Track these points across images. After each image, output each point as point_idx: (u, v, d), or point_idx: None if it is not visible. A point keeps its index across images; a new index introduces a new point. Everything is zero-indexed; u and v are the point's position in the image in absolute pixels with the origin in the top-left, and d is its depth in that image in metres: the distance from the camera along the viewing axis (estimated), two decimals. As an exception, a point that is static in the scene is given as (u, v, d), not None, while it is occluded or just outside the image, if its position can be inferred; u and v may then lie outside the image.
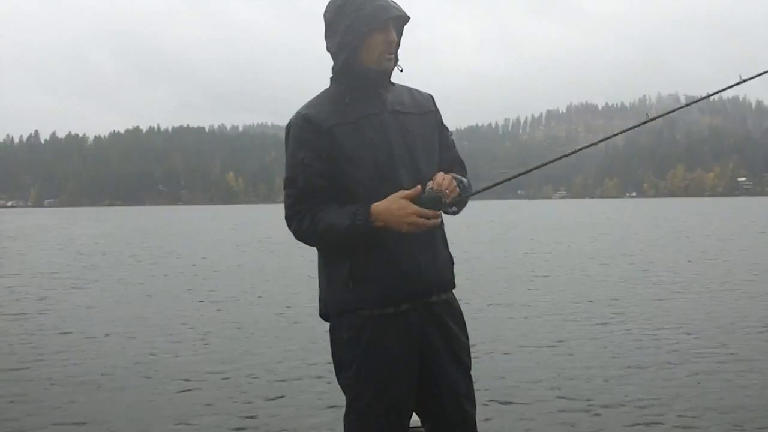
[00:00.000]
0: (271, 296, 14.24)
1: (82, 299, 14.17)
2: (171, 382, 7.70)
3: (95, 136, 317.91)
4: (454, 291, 3.28)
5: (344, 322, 3.08)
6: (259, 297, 14.19)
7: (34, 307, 13.20)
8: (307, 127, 3.03)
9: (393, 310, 3.02)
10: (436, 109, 3.31)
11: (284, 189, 3.09)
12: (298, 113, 3.09)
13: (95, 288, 16.08)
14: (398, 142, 3.06)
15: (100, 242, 35.87)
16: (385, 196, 2.91)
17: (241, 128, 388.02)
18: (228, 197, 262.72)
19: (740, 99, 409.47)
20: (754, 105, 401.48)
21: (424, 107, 3.22)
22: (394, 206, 2.87)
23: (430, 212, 2.86)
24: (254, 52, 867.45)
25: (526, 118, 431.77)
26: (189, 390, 7.35)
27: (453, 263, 3.28)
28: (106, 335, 10.38)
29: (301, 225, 3.01)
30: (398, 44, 3.17)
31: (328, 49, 3.14)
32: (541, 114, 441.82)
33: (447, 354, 3.12)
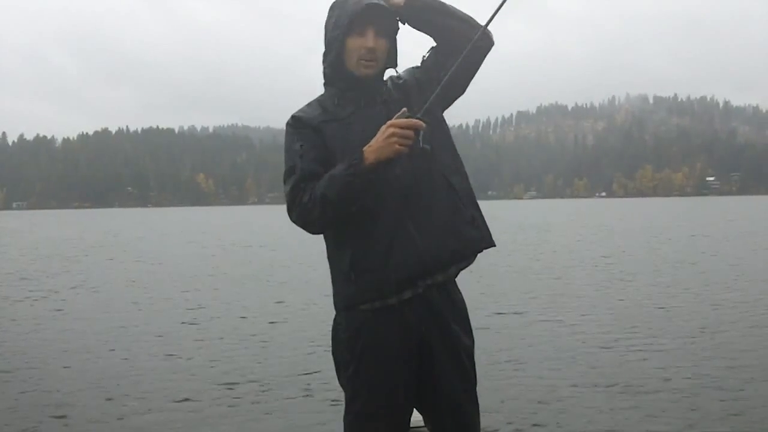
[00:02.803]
0: (244, 301, 14.07)
1: (35, 310, 13.93)
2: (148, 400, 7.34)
3: (64, 138, 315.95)
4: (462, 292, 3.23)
5: (345, 320, 3.10)
6: (243, 305, 13.99)
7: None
8: (299, 124, 3.09)
9: (395, 300, 3.01)
10: (415, 80, 3.25)
11: (284, 183, 3.08)
12: (291, 116, 3.14)
13: (56, 297, 15.82)
14: None
15: (64, 247, 35.40)
16: (378, 187, 2.96)
17: (211, 129, 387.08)
18: (198, 199, 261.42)
19: (708, 99, 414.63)
20: (721, 105, 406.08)
21: (405, 88, 3.20)
22: (377, 134, 2.90)
23: (405, 120, 2.86)
24: (221, 53, 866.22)
25: (497, 119, 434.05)
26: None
27: (482, 221, 3.21)
28: (63, 351, 10.11)
29: (302, 200, 2.97)
30: (395, 49, 3.21)
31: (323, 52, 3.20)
32: (511, 115, 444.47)
33: (447, 355, 3.10)
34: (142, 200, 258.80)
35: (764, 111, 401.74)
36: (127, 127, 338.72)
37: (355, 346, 3.06)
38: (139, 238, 42.99)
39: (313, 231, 3.11)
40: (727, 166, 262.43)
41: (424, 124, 2.91)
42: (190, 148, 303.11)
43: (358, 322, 3.05)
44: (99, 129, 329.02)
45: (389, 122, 2.87)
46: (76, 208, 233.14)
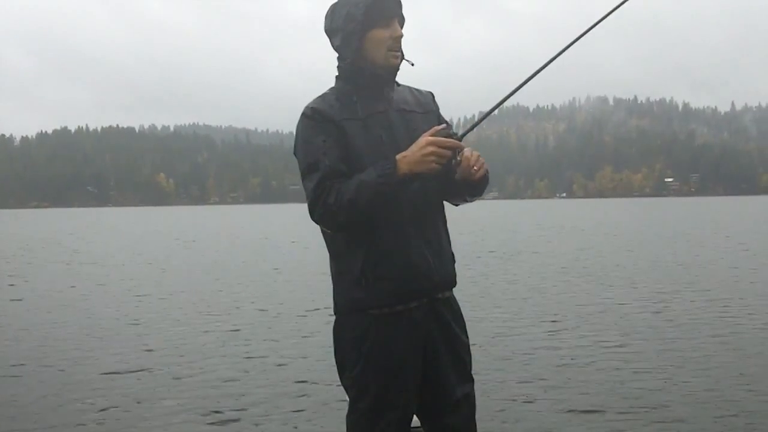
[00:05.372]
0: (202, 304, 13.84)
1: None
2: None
3: (22, 137, 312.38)
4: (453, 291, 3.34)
5: (350, 321, 3.11)
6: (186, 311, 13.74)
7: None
8: (320, 118, 3.05)
9: (402, 308, 3.06)
10: (437, 107, 3.35)
11: (304, 178, 3.05)
12: (308, 107, 3.11)
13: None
14: (405, 140, 3.05)
15: (14, 247, 34.82)
16: (398, 198, 3.01)
17: (172, 128, 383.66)
18: (159, 198, 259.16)
19: (667, 101, 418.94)
20: (680, 107, 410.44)
21: (426, 106, 3.26)
22: (414, 146, 2.94)
23: (447, 141, 2.91)
24: (179, 52, 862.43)
25: (459, 119, 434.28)
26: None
27: (454, 261, 3.31)
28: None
29: (327, 200, 2.94)
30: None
31: (335, 50, 3.18)
32: (473, 116, 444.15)
33: (448, 355, 3.16)
34: (102, 200, 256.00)
35: (723, 113, 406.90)
36: (86, 125, 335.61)
37: (362, 345, 3.07)
38: (94, 238, 42.38)
39: (334, 231, 3.11)
40: (686, 167, 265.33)
41: (464, 146, 2.98)
42: (150, 148, 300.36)
43: (366, 323, 3.07)
44: (58, 128, 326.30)
45: (430, 138, 2.91)
46: (35, 207, 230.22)
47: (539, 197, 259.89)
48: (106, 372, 8.54)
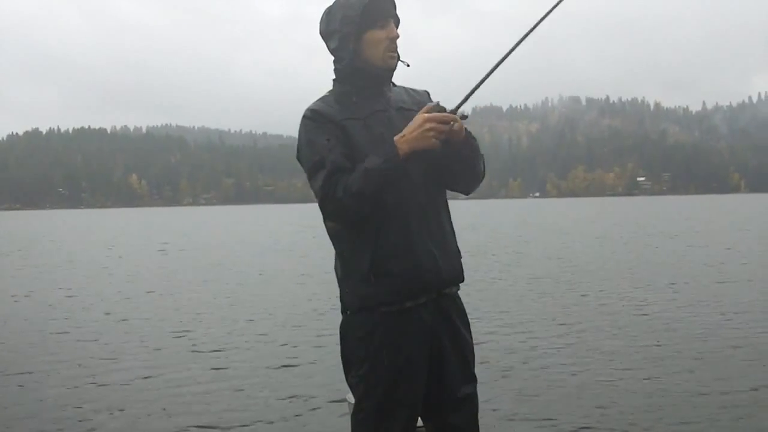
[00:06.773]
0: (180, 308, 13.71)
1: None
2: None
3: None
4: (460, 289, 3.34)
5: (358, 319, 3.12)
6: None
7: None
8: (321, 119, 3.09)
9: (411, 304, 3.07)
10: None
11: (311, 177, 3.07)
12: (308, 110, 3.14)
13: None
14: None
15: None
16: (396, 190, 3.03)
17: (144, 129, 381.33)
18: (131, 200, 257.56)
19: (639, 100, 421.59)
20: (652, 106, 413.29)
21: (422, 104, 3.19)
22: (411, 124, 2.99)
23: (443, 115, 2.98)
24: (150, 53, 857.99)
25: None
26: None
27: (460, 255, 3.33)
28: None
29: (336, 194, 2.96)
30: None
31: (331, 52, 3.20)
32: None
33: (453, 353, 3.16)
34: (74, 202, 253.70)
35: (694, 112, 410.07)
36: (58, 127, 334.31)
37: (370, 343, 3.07)
38: (62, 241, 42.00)
39: (346, 226, 3.11)
40: (658, 166, 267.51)
41: (459, 119, 3.04)
42: (122, 149, 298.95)
43: (374, 321, 3.07)
44: (29, 129, 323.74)
45: (426, 115, 2.96)
46: (5, 209, 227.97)
47: (513, 197, 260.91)
48: (99, 380, 8.44)
